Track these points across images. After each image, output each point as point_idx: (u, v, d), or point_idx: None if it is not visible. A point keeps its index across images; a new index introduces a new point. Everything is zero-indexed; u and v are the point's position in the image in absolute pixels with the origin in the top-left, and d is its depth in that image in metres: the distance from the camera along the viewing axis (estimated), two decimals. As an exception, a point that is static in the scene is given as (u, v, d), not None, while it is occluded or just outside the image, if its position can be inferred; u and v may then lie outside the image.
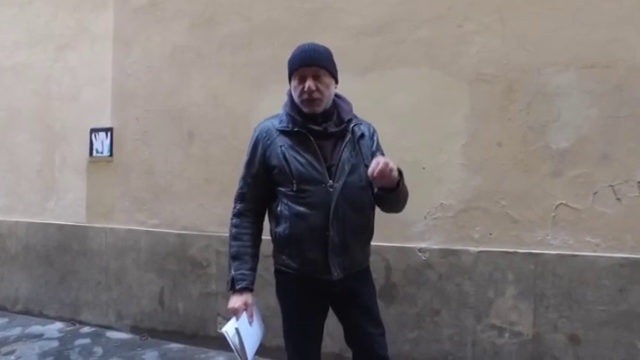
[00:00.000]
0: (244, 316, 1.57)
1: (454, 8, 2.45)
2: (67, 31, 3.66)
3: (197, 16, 3.14)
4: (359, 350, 1.70)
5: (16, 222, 3.86)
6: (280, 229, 1.59)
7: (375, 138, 1.71)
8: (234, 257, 1.63)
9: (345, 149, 1.58)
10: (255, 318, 1.63)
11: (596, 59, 2.20)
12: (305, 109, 1.57)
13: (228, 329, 1.52)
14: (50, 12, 3.74)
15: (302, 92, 1.55)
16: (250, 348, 1.55)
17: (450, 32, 2.46)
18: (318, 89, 1.54)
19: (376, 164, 1.40)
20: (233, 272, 1.61)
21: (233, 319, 1.56)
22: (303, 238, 1.55)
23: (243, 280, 1.60)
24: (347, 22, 2.68)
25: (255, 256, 1.67)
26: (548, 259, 2.27)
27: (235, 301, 1.59)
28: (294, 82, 1.60)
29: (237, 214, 1.68)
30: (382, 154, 1.70)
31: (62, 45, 3.68)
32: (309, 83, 1.53)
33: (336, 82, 1.64)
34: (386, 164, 1.40)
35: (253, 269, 1.64)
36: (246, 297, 1.60)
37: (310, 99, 1.55)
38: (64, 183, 3.67)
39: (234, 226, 1.67)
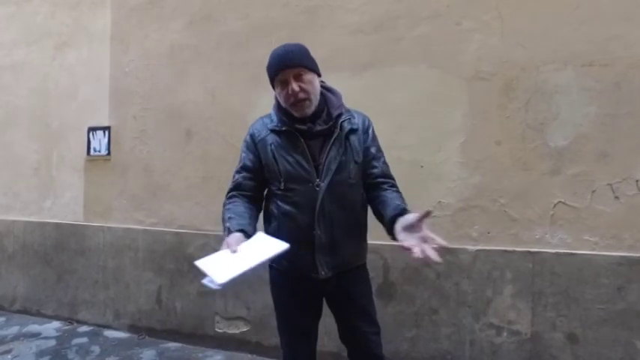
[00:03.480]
0: (222, 251, 1.39)
1: (453, 6, 2.44)
2: (65, 29, 3.64)
3: (195, 14, 3.13)
4: (353, 349, 1.70)
5: (14, 221, 3.84)
6: (271, 227, 1.60)
7: (370, 132, 1.66)
8: (229, 219, 1.51)
9: (333, 147, 1.55)
10: (246, 247, 1.40)
11: (595, 57, 2.20)
12: (296, 114, 1.54)
13: (198, 261, 1.38)
14: (48, 10, 3.73)
15: (287, 96, 1.52)
16: (221, 271, 1.31)
17: (448, 30, 2.45)
18: (302, 89, 1.51)
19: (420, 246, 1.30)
20: (228, 225, 1.49)
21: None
22: (291, 237, 1.52)
23: (238, 225, 1.47)
24: (345, 19, 2.67)
25: (252, 218, 1.55)
26: (546, 257, 2.27)
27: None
28: (277, 89, 1.57)
29: (229, 198, 1.63)
30: (378, 148, 1.69)
31: (60, 43, 3.67)
32: (292, 86, 1.50)
33: (319, 75, 1.61)
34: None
35: (250, 224, 1.51)
36: (236, 235, 1.43)
37: (297, 100, 1.52)
38: (62, 182, 3.66)
39: (225, 205, 1.60)
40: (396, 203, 1.51)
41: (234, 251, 1.36)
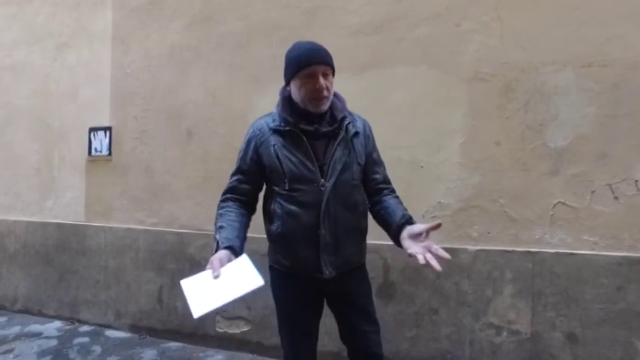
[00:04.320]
0: (206, 272, 1.43)
1: (452, 7, 2.45)
2: (66, 30, 3.66)
3: (195, 15, 3.14)
4: (353, 348, 1.71)
5: (15, 221, 3.86)
6: (273, 227, 1.59)
7: (371, 136, 1.70)
8: (220, 228, 1.56)
9: (338, 148, 1.56)
10: (227, 273, 1.42)
11: (594, 58, 2.20)
12: (312, 109, 1.54)
13: (183, 281, 1.43)
14: (49, 11, 3.74)
15: (313, 90, 1.51)
16: (198, 302, 1.39)
17: (448, 31, 2.46)
18: (327, 88, 1.52)
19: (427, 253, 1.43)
20: (218, 237, 1.54)
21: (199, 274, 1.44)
22: (295, 237, 1.55)
23: (226, 240, 1.51)
24: (345, 20, 2.68)
25: (242, 228, 1.59)
26: (546, 257, 2.28)
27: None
28: (300, 80, 1.52)
29: (223, 200, 1.66)
30: (379, 154, 1.72)
31: (61, 44, 3.68)
32: (322, 81, 1.50)
33: None
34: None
35: (239, 237, 1.55)
36: (222, 253, 1.46)
37: (321, 97, 1.52)
38: (63, 182, 3.67)
39: (219, 209, 1.64)
40: (402, 213, 1.60)
41: (217, 276, 1.41)
